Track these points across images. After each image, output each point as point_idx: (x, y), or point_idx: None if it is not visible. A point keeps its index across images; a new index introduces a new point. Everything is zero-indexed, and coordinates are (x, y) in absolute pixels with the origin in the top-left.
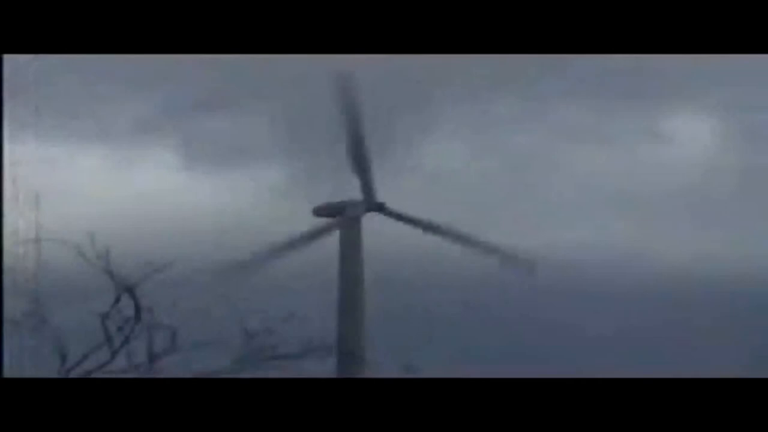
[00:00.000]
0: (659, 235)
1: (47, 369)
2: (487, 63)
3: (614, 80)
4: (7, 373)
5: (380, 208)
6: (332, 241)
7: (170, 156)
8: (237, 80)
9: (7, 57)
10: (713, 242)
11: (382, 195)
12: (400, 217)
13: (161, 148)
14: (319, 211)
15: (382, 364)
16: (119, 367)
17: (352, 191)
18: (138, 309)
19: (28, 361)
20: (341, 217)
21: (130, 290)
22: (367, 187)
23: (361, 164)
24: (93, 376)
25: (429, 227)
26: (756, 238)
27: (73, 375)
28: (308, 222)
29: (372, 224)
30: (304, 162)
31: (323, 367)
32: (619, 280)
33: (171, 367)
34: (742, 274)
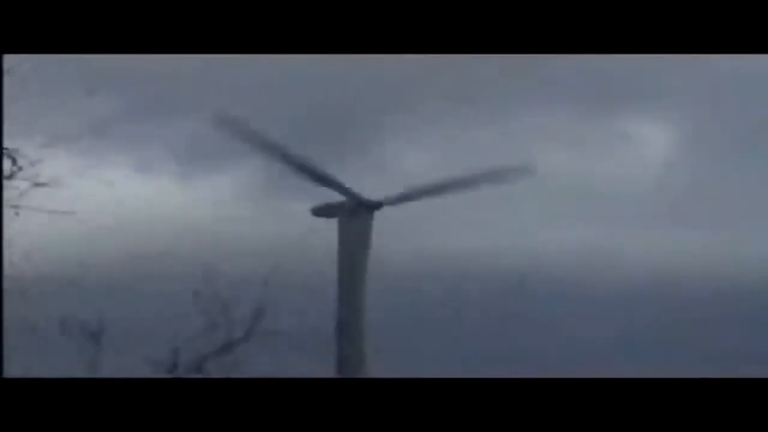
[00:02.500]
0: (628, 236)
1: None
2: (456, 64)
3: (582, 82)
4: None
5: (379, 206)
6: (332, 242)
7: (126, 158)
8: (205, 81)
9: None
10: (682, 243)
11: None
12: (402, 198)
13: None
14: (318, 212)
15: (381, 364)
16: None
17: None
18: None
19: None
20: (341, 217)
21: None
22: (347, 192)
23: (320, 177)
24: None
25: (431, 190)
26: (722, 238)
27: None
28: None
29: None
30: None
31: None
32: (590, 282)
33: None
34: (712, 273)
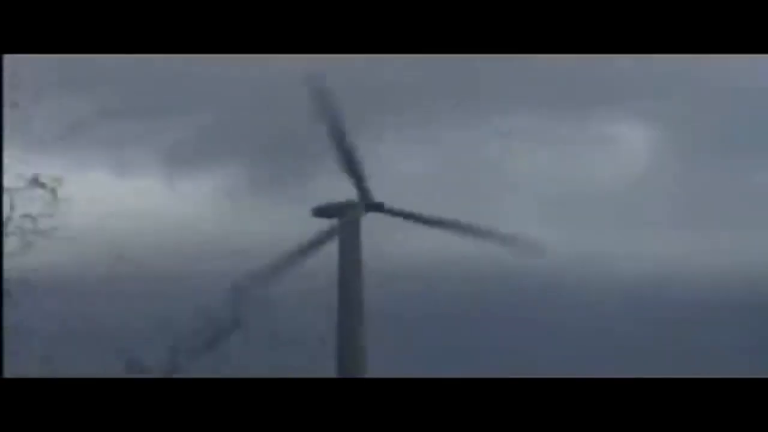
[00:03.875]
0: (609, 236)
1: None
2: (431, 65)
3: (562, 83)
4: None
5: (379, 207)
6: (331, 242)
7: (105, 160)
8: (188, 82)
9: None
10: (660, 243)
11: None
12: (401, 214)
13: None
14: (318, 212)
15: (381, 364)
16: None
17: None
18: None
19: None
20: (341, 218)
21: None
22: (361, 187)
23: (352, 166)
24: None
25: (431, 221)
26: (697, 240)
27: None
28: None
29: (372, 224)
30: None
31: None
32: (575, 282)
33: None
34: (685, 274)
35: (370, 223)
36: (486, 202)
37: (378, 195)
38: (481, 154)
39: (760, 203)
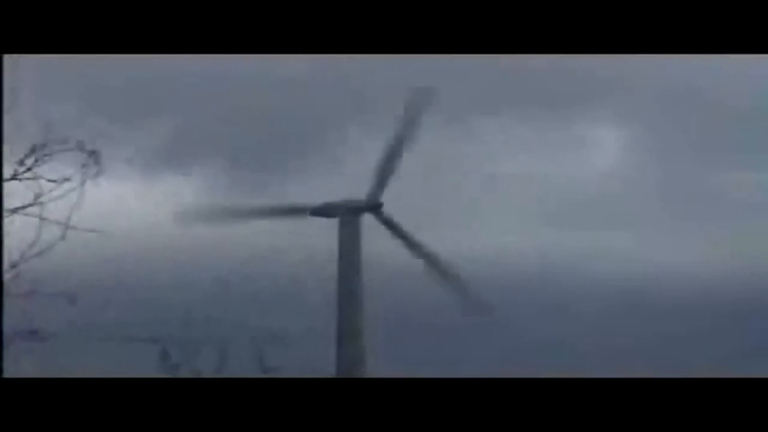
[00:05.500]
0: (586, 238)
1: None
2: (408, 66)
3: (538, 86)
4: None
5: (377, 208)
6: (331, 242)
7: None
8: (165, 82)
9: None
10: (636, 247)
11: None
12: (390, 224)
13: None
14: (316, 212)
15: (381, 364)
16: None
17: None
18: None
19: None
20: (340, 217)
21: None
22: (378, 186)
23: (388, 164)
24: None
25: (410, 244)
26: (674, 243)
27: None
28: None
29: (372, 224)
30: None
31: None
32: (551, 288)
33: None
34: (659, 276)
35: (370, 222)
36: (463, 204)
37: (353, 192)
38: (457, 155)
39: (735, 202)
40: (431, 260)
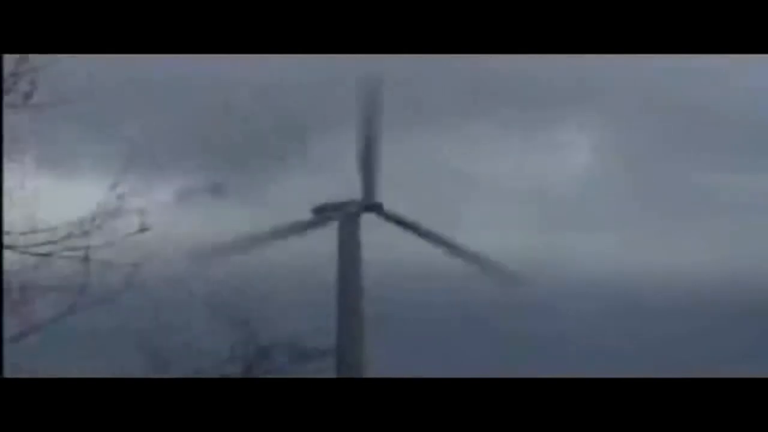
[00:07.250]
0: (566, 241)
1: None
2: (397, 67)
3: (512, 88)
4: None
5: (378, 208)
6: (331, 242)
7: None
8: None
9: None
10: (620, 248)
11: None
12: (395, 219)
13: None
14: (317, 211)
15: (380, 365)
16: None
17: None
18: None
19: None
20: (339, 216)
21: None
22: (368, 186)
23: (368, 163)
24: None
25: (423, 233)
26: (659, 244)
27: None
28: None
29: (371, 224)
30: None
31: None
32: (536, 288)
33: None
34: (644, 276)
35: (370, 222)
36: (444, 207)
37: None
38: (437, 157)
39: (720, 203)
40: (448, 244)
